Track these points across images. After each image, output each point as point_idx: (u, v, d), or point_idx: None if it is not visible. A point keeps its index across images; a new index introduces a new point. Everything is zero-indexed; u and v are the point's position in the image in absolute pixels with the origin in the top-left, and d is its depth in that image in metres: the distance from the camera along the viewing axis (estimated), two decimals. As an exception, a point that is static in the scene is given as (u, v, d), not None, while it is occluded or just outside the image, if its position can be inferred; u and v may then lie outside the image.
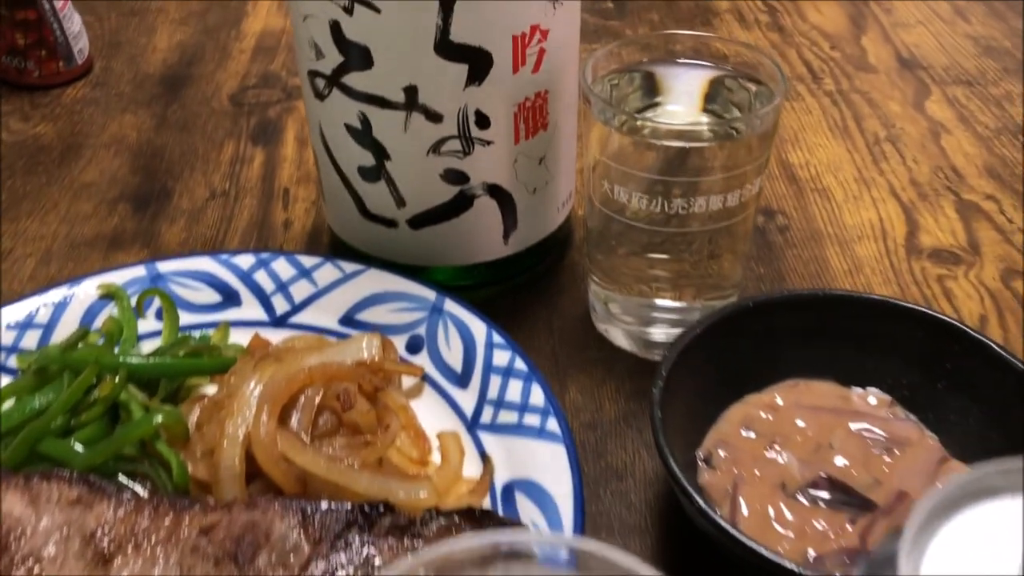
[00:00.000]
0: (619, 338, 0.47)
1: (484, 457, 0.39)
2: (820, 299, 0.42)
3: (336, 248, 0.53)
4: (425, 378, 0.43)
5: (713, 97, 0.45)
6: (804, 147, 0.62)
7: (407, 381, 0.43)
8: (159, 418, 0.38)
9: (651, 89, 0.46)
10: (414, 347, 0.44)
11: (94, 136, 0.65)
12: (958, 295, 0.50)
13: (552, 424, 0.38)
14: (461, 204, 0.46)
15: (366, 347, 0.41)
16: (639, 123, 0.41)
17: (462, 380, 0.42)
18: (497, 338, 0.42)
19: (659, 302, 0.45)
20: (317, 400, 0.39)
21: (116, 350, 0.43)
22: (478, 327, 0.43)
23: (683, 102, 0.45)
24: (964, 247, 0.54)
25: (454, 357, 0.43)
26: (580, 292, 0.51)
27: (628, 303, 0.46)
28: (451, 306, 0.44)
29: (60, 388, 0.40)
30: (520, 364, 0.41)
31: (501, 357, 0.42)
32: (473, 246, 0.48)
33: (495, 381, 0.41)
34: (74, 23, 0.70)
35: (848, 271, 0.52)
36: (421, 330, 0.44)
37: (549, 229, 0.50)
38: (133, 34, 0.77)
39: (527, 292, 0.51)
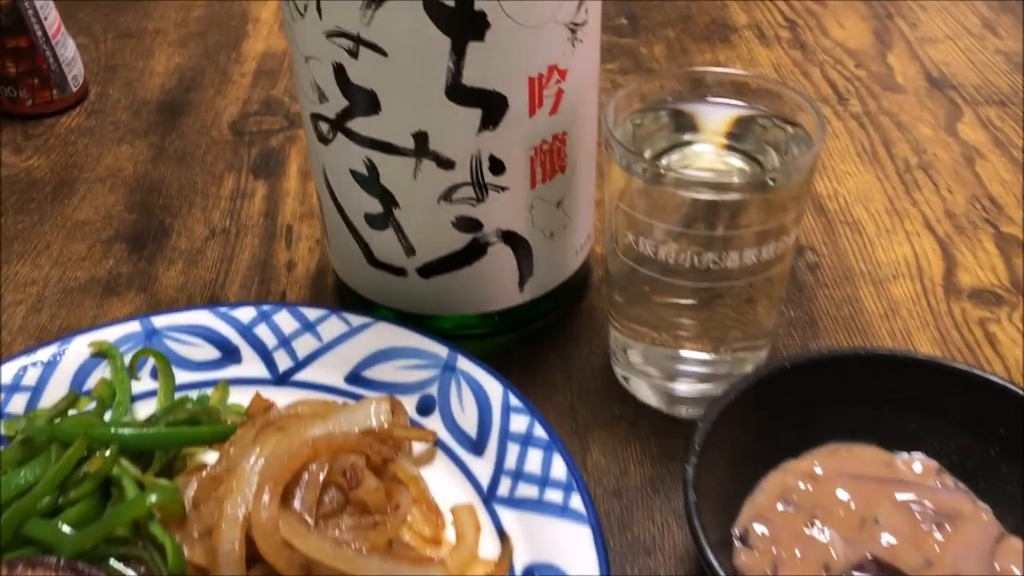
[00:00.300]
0: (642, 390, 0.45)
1: (502, 534, 0.37)
2: (861, 359, 0.39)
3: (341, 293, 0.50)
4: (438, 443, 0.40)
5: (744, 136, 0.42)
6: (832, 175, 0.59)
7: (418, 446, 0.40)
8: (153, 497, 0.35)
9: (678, 127, 0.43)
10: (425, 408, 0.41)
11: (89, 169, 0.62)
12: (1002, 340, 0.47)
13: (576, 501, 0.35)
14: (474, 252, 0.44)
15: (374, 414, 0.38)
16: (664, 172, 0.38)
17: (477, 447, 0.39)
18: (514, 401, 0.39)
19: (685, 353, 0.43)
20: (322, 476, 0.36)
21: (108, 416, 0.40)
22: (493, 388, 0.40)
23: (713, 142, 0.42)
24: (1006, 286, 0.51)
25: (468, 421, 0.40)
26: (600, 339, 0.48)
27: (652, 353, 0.43)
28: (464, 364, 0.41)
29: (48, 462, 0.37)
30: (540, 431, 0.38)
31: (519, 423, 0.39)
32: (487, 294, 0.45)
33: (513, 449, 0.38)
34: (68, 49, 0.67)
35: (884, 314, 0.49)
36: (432, 390, 0.41)
37: (567, 273, 0.48)
38: (130, 57, 0.75)
39: (543, 339, 0.48)
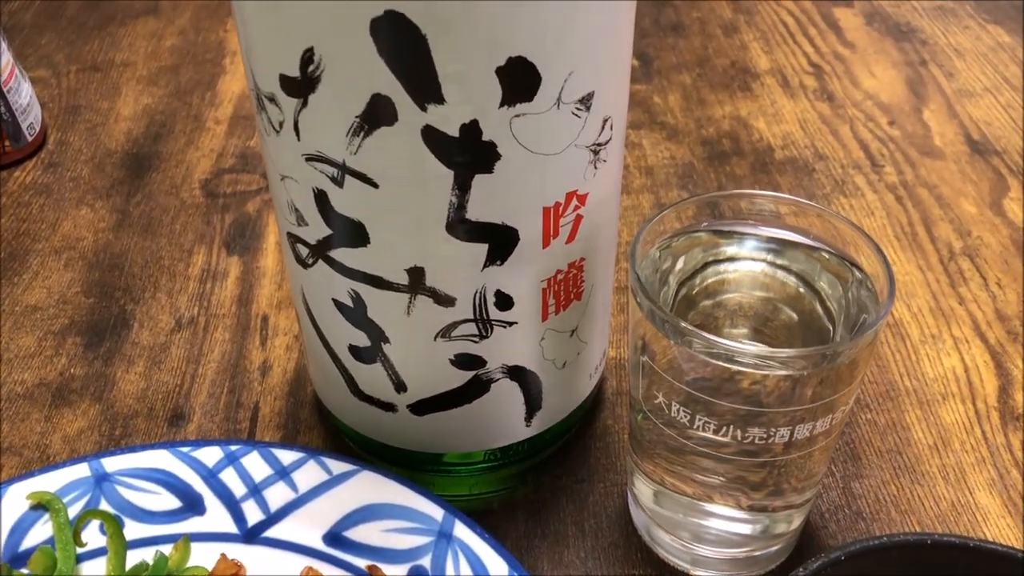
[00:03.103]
0: (663, 543, 0.39)
1: None
2: (927, 548, 0.33)
3: (324, 416, 0.44)
4: (432, 630, 0.35)
5: (798, 260, 0.36)
6: (868, 262, 0.54)
7: (409, 633, 0.35)
8: None
9: (716, 244, 0.37)
10: (417, 584, 0.36)
11: (43, 238, 0.56)
12: (1068, 483, 0.42)
13: None
14: (475, 390, 0.38)
15: (358, 606, 0.33)
16: (691, 336, 0.31)
17: (478, 640, 0.34)
18: (522, 586, 0.34)
19: (713, 508, 0.37)
20: None
21: (47, 590, 0.35)
22: (497, 567, 0.35)
23: (761, 259, 0.37)
24: (1069, 411, 0.45)
25: (468, 606, 0.34)
26: (615, 473, 0.42)
27: (676, 510, 0.38)
28: (462, 532, 0.36)
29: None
30: (552, 630, 0.33)
31: (527, 615, 0.33)
32: (489, 432, 0.40)
33: (520, 649, 0.33)
34: (22, 95, 0.61)
35: (933, 446, 0.44)
36: (425, 561, 0.36)
37: (579, 400, 0.42)
38: (94, 96, 0.68)
39: (552, 472, 0.42)
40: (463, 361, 0.37)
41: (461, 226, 0.33)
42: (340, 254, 0.34)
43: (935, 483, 0.42)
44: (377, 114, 0.30)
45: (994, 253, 0.54)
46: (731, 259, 0.38)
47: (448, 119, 0.30)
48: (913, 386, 0.46)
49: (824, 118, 0.65)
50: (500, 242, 0.34)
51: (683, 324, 0.31)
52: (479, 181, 0.31)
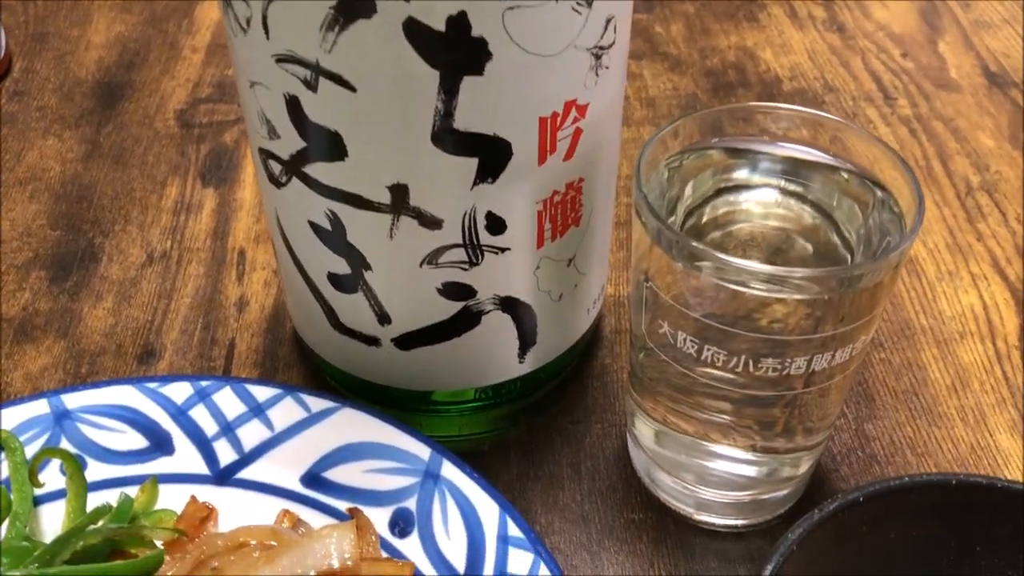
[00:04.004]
0: (665, 486, 0.37)
1: None
2: (951, 488, 0.31)
3: (304, 353, 0.41)
4: (416, 576, 0.32)
5: (815, 183, 0.33)
6: (881, 197, 0.51)
7: (392, 578, 0.32)
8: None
9: (728, 166, 0.34)
10: (401, 527, 0.33)
11: (7, 169, 0.52)
12: (1094, 425, 0.40)
13: None
14: (464, 322, 0.35)
15: (336, 550, 0.30)
16: (702, 255, 0.29)
17: (466, 586, 0.31)
18: (513, 529, 0.31)
19: (719, 449, 0.34)
20: (267, 646, 0.28)
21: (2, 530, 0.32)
22: (487, 509, 0.32)
23: (775, 185, 0.34)
24: (1094, 351, 0.43)
25: (455, 550, 0.32)
26: (613, 413, 0.40)
27: (679, 450, 0.35)
28: (451, 472, 0.33)
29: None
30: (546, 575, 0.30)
31: (519, 560, 0.31)
32: (479, 368, 0.37)
33: (512, 596, 0.30)
34: (-16, 18, 0.57)
35: (951, 386, 0.41)
36: (410, 503, 0.33)
37: (576, 336, 0.39)
38: (63, 23, 0.64)
39: (547, 412, 0.40)
40: (451, 290, 0.34)
41: (448, 137, 0.29)
42: (316, 170, 0.31)
43: (953, 425, 0.40)
44: (353, 4, 0.26)
45: (1013, 188, 0.51)
46: (743, 186, 0.35)
47: (433, 10, 0.27)
48: (929, 324, 0.44)
49: (834, 49, 0.62)
50: (491, 156, 0.30)
51: (694, 243, 0.28)
52: (468, 84, 0.28)
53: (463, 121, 0.29)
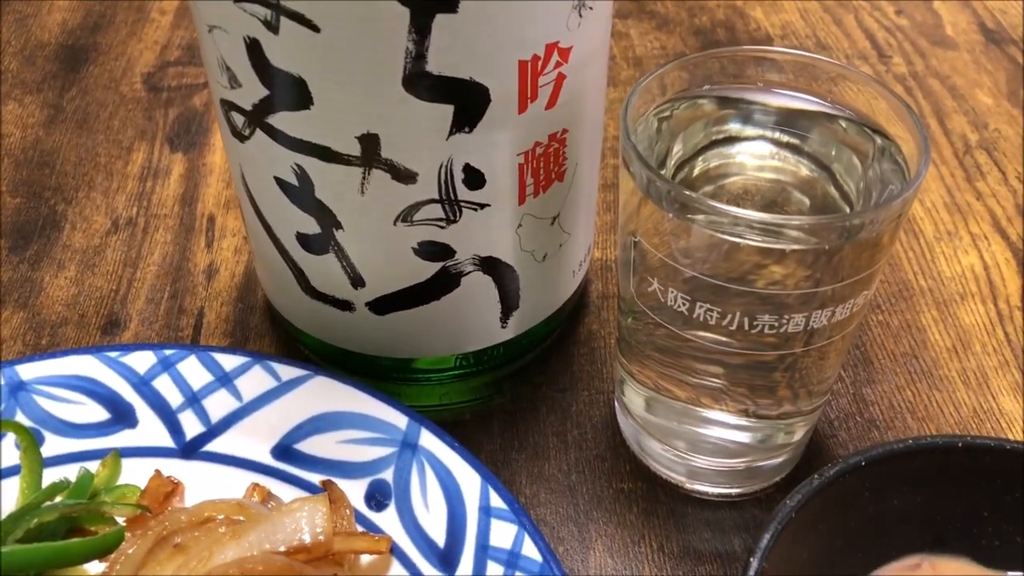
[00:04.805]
0: (656, 454, 0.35)
1: None
2: (958, 451, 0.29)
3: (276, 322, 0.39)
4: (394, 551, 0.30)
5: (812, 133, 0.32)
6: (877, 156, 0.49)
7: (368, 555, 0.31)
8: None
9: (720, 117, 0.32)
10: (377, 500, 0.31)
11: (-35, 135, 0.50)
12: (1099, 386, 0.38)
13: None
14: (442, 284, 0.33)
15: (307, 525, 0.28)
16: (695, 206, 0.27)
17: (446, 561, 0.30)
18: (496, 500, 0.30)
19: (712, 415, 0.33)
20: (233, 627, 0.26)
21: (-49, 511, 0.30)
22: (468, 480, 0.30)
23: (769, 138, 0.32)
24: (1098, 311, 0.41)
25: (434, 523, 0.30)
26: (601, 380, 0.38)
27: (670, 417, 0.34)
28: (430, 442, 0.31)
29: None
30: (531, 549, 0.28)
31: (502, 533, 0.29)
32: (459, 334, 0.35)
33: (495, 571, 0.29)
34: (-61, -22, 0.54)
35: (952, 349, 0.40)
36: (387, 474, 0.31)
37: (561, 300, 0.37)
38: (26, -14, 0.62)
39: (532, 380, 0.38)
40: (428, 250, 0.32)
41: (421, 81, 0.27)
42: (280, 120, 0.29)
43: (955, 388, 0.38)
44: (314, -68, 0.24)
45: (1013, 146, 0.50)
46: (736, 138, 0.33)
47: (401, -62, 0.25)
48: (928, 285, 0.42)
49: (826, 7, 0.60)
50: (468, 102, 0.28)
51: (687, 192, 0.27)
52: (441, 23, 0.26)
53: (437, 64, 0.27)
